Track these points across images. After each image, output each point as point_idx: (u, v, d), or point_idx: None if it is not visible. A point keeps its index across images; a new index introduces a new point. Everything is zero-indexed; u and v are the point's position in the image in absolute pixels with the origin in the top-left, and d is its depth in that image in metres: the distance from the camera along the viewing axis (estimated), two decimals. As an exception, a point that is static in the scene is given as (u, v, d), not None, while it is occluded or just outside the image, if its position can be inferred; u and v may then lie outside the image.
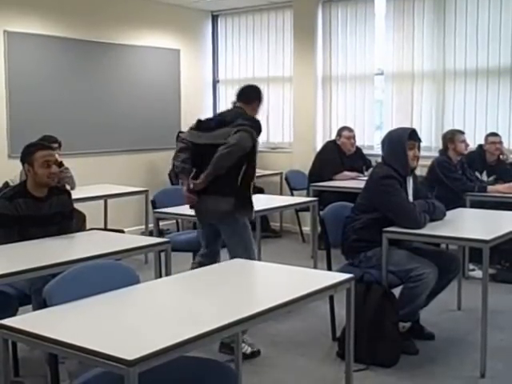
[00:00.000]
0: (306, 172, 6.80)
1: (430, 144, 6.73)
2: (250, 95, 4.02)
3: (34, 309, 3.14)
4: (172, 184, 7.15)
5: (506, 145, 6.08)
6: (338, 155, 6.58)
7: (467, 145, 5.73)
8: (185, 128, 7.65)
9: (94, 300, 2.39)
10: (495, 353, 3.68)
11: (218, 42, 8.44)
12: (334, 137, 6.94)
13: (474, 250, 4.66)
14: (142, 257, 5.77)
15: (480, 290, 3.43)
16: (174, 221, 6.66)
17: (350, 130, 6.69)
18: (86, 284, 2.47)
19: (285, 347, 3.87)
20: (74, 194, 4.19)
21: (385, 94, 7.23)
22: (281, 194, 7.21)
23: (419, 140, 3.97)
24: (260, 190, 6.60)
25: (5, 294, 3.34)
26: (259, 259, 5.31)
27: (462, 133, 5.75)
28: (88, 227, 5.51)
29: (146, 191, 6.17)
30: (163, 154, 7.47)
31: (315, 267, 4.84)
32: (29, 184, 3.67)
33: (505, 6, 6.33)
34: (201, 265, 3.75)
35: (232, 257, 3.64)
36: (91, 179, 6.38)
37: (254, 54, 8.07)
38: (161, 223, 4.82)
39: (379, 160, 4.11)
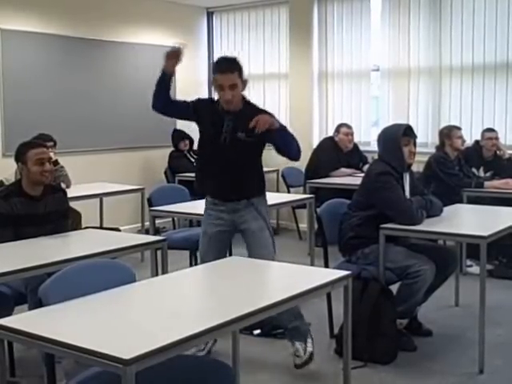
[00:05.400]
0: (303, 169, 6.78)
1: (427, 140, 6.73)
2: None
3: (30, 308, 3.12)
4: (168, 182, 7.15)
5: (502, 140, 6.08)
6: (334, 152, 6.57)
7: (464, 140, 5.73)
8: (180, 126, 7.67)
9: (90, 299, 2.38)
10: (493, 349, 3.68)
11: (214, 38, 8.42)
12: (330, 133, 6.94)
13: (472, 246, 4.65)
14: (138, 255, 5.74)
15: (477, 285, 3.42)
16: (170, 219, 6.64)
17: (348, 126, 6.68)
18: (82, 283, 2.45)
19: (282, 345, 3.85)
20: (69, 193, 4.17)
21: (381, 91, 7.22)
22: (277, 191, 7.20)
23: (414, 136, 3.96)
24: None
25: (0, 294, 3.33)
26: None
27: (459, 128, 5.75)
28: (83, 226, 5.49)
29: (142, 189, 6.15)
30: (159, 151, 7.46)
31: (312, 264, 4.83)
32: (24, 183, 3.65)
33: (501, 2, 6.32)
34: None
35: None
36: (86, 177, 6.36)
37: (250, 50, 8.05)
38: (157, 221, 4.80)
39: (376, 156, 4.10)
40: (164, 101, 3.54)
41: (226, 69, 3.40)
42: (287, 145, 3.54)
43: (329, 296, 3.95)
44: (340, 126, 6.70)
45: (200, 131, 3.65)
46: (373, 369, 3.52)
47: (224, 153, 3.51)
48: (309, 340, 3.56)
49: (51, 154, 4.41)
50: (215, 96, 3.56)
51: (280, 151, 3.60)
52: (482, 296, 3.40)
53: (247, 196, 3.57)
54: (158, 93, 3.52)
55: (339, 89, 7.41)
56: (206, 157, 3.63)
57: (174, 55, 3.45)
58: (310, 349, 3.53)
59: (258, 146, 3.57)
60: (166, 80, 3.49)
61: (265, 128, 3.32)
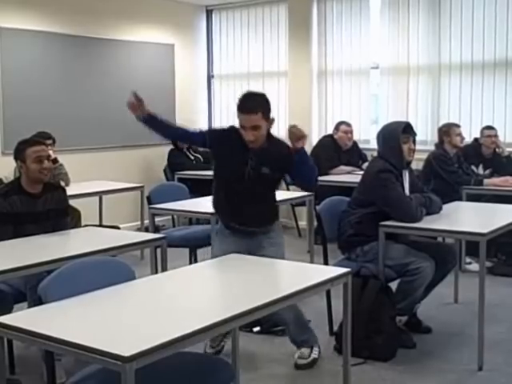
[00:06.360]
0: (302, 167, 6.77)
1: (426, 138, 6.72)
2: None
3: (30, 306, 3.12)
4: (167, 179, 7.14)
5: (501, 138, 6.07)
6: (334, 150, 6.57)
7: (463, 138, 5.73)
8: (179, 123, 7.66)
9: (89, 297, 2.38)
10: (492, 346, 3.68)
11: (213, 36, 8.40)
12: (329, 131, 6.94)
13: (471, 243, 4.66)
14: (137, 253, 5.75)
15: (477, 283, 3.42)
16: (170, 217, 6.64)
17: (347, 124, 6.68)
18: (82, 281, 2.45)
19: (282, 342, 3.86)
20: (69, 191, 4.17)
21: (380, 88, 7.22)
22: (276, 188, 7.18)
23: (414, 134, 3.96)
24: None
25: (0, 292, 3.33)
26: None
27: (458, 126, 5.75)
28: (83, 224, 5.49)
29: (142, 187, 6.15)
30: (158, 149, 7.43)
31: (312, 262, 4.83)
32: (23, 181, 3.65)
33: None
34: None
35: None
36: (86, 175, 6.35)
37: (249, 48, 8.03)
38: (156, 219, 4.79)
39: (375, 154, 4.10)
40: (166, 135, 3.66)
41: (249, 110, 3.26)
42: (307, 179, 3.60)
43: (328, 293, 3.95)
44: (339, 123, 6.71)
45: (216, 161, 3.59)
46: (372, 366, 3.52)
47: (246, 186, 3.46)
48: (315, 348, 3.58)
49: (50, 152, 4.41)
50: (237, 124, 3.40)
51: (297, 183, 3.81)
52: (482, 293, 3.41)
53: (265, 223, 3.59)
54: (156, 133, 3.62)
55: (338, 87, 7.40)
56: (224, 187, 3.55)
57: (134, 105, 3.53)
58: (314, 355, 3.55)
59: (278, 178, 3.69)
60: (148, 122, 3.54)
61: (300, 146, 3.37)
